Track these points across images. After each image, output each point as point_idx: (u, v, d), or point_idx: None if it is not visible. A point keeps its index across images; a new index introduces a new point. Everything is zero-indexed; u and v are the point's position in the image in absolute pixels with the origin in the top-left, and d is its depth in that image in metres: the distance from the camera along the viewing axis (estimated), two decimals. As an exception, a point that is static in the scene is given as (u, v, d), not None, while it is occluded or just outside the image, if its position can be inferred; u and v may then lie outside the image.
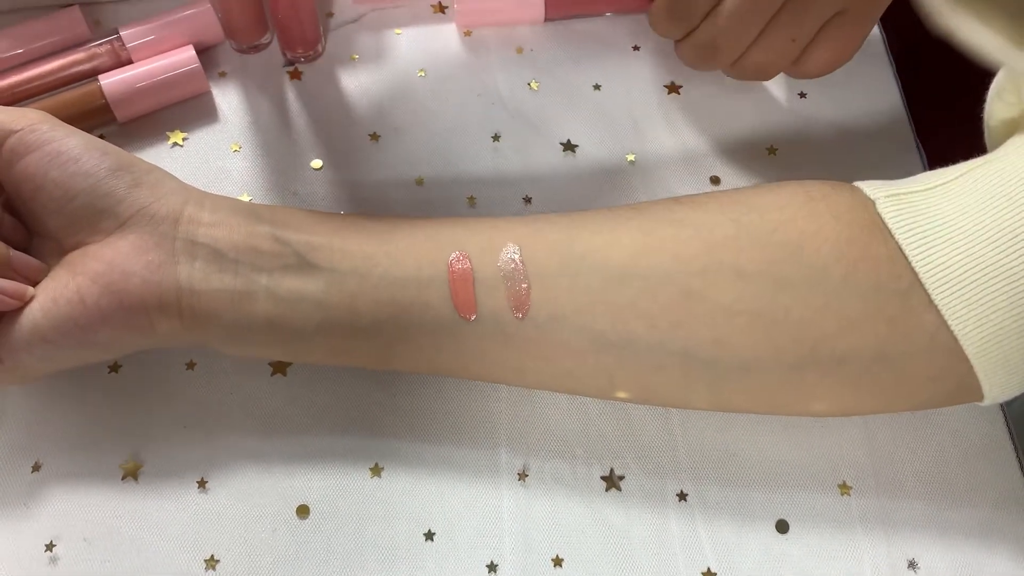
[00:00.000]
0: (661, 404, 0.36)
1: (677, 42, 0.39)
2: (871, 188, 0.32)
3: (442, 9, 0.47)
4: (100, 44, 0.42)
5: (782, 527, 0.35)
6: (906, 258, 0.30)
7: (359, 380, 0.37)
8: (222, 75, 0.44)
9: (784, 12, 0.35)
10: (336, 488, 0.35)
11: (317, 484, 0.35)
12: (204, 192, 0.33)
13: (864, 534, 0.35)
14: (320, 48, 0.45)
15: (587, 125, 0.44)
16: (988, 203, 0.29)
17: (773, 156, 0.44)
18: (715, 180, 0.43)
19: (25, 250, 0.32)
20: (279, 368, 0.37)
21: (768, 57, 0.37)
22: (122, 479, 0.35)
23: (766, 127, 0.44)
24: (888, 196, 0.31)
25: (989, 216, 0.29)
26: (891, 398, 0.32)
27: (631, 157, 0.43)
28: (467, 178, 0.42)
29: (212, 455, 0.35)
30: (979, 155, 0.32)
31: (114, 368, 0.37)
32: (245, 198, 0.41)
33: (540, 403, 0.37)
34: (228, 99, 0.44)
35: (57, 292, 0.31)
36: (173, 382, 0.37)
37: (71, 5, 0.44)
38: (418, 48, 0.46)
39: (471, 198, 0.42)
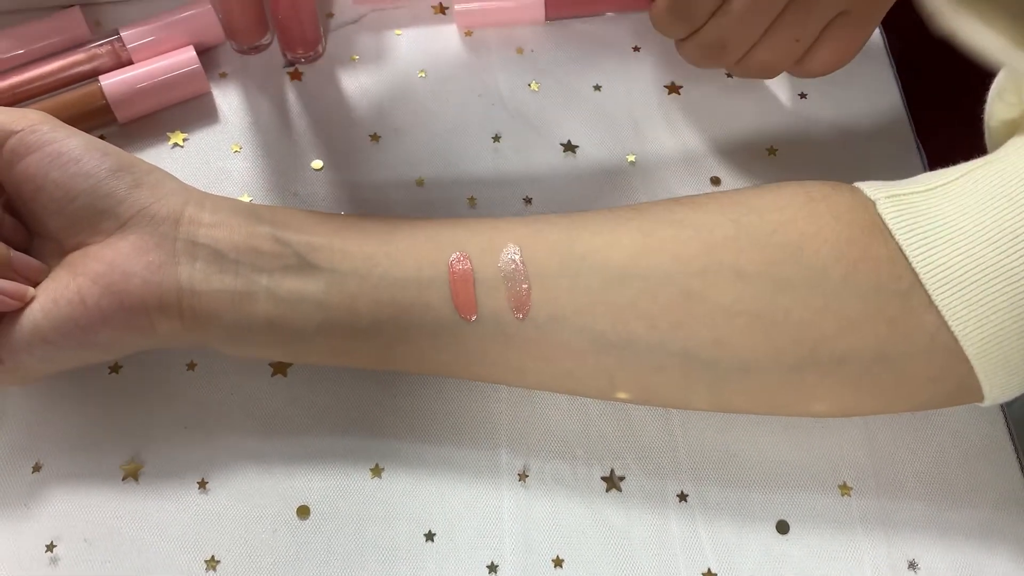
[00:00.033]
0: (661, 405, 0.36)
1: (680, 41, 0.39)
2: (871, 189, 0.32)
3: (442, 10, 0.47)
4: (101, 45, 0.42)
5: (782, 528, 0.35)
6: (906, 259, 0.30)
7: (360, 381, 0.37)
8: (222, 76, 0.44)
9: (788, 12, 0.35)
10: (336, 489, 0.35)
11: (317, 485, 0.35)
12: (204, 193, 0.33)
13: (864, 535, 0.35)
14: (320, 49, 0.45)
15: (587, 126, 0.44)
16: (989, 204, 0.29)
17: (773, 157, 0.44)
18: (715, 181, 0.43)
19: (26, 251, 0.32)
20: (279, 369, 0.37)
21: (772, 56, 0.37)
22: (123, 480, 0.35)
23: (766, 128, 0.44)
24: (888, 197, 0.31)
25: (990, 217, 0.29)
26: (891, 399, 0.32)
27: (631, 158, 0.43)
28: (467, 179, 0.42)
29: (213, 456, 0.35)
30: (979, 156, 0.32)
31: (115, 369, 0.37)
32: (245, 199, 0.41)
33: (540, 404, 0.37)
34: (228, 100, 0.44)
35: (58, 293, 0.31)
36: (174, 383, 0.37)
37: (71, 6, 0.44)
38: (418, 49, 0.46)
39: (471, 199, 0.42)
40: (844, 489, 0.36)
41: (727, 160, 0.43)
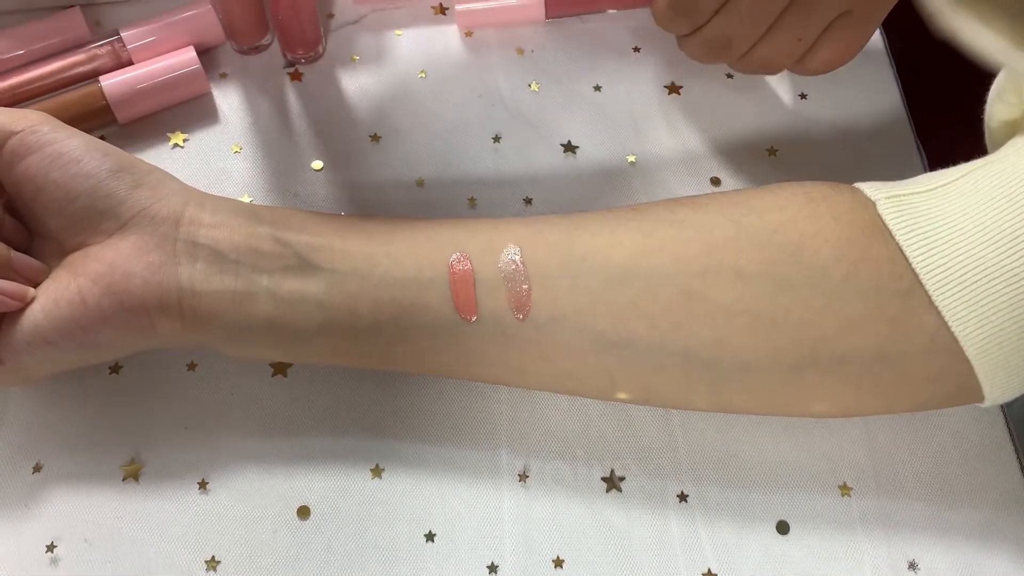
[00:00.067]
0: (662, 405, 0.36)
1: (682, 36, 0.39)
2: (871, 189, 0.32)
3: (443, 10, 0.47)
4: (101, 45, 0.42)
5: (783, 528, 0.35)
6: (907, 259, 0.30)
7: (360, 381, 0.37)
8: (223, 76, 0.44)
9: (791, 11, 0.35)
10: (337, 489, 0.35)
11: (318, 485, 0.35)
12: (205, 193, 0.33)
13: (864, 535, 0.35)
14: (321, 49, 0.45)
15: (587, 126, 0.44)
16: (989, 204, 0.29)
17: (773, 157, 0.44)
18: (715, 181, 0.43)
19: (26, 251, 0.32)
20: (280, 369, 0.37)
21: (774, 53, 0.37)
22: (123, 480, 0.35)
23: (766, 128, 0.44)
24: (889, 197, 0.31)
25: (990, 217, 0.29)
26: (891, 399, 0.32)
27: (631, 158, 0.43)
28: (468, 179, 0.42)
29: (213, 456, 0.35)
30: (980, 156, 0.32)
31: (115, 369, 0.37)
32: (246, 199, 0.41)
33: (541, 404, 0.37)
34: (229, 100, 0.44)
35: (58, 293, 0.31)
36: (174, 383, 0.37)
37: (72, 6, 0.44)
38: (419, 49, 0.46)
39: (472, 199, 0.42)
40: (844, 489, 0.36)
41: (727, 160, 0.43)
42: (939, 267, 0.29)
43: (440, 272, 0.32)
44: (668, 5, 0.37)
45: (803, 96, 0.45)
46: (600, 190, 0.42)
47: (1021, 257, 0.28)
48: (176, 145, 0.42)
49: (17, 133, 0.31)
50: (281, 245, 0.32)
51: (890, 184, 0.32)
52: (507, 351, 0.32)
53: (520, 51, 0.46)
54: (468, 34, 0.46)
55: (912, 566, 0.35)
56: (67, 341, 0.31)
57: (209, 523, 0.34)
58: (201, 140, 0.43)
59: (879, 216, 0.31)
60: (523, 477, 0.36)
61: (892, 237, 0.30)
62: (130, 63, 0.42)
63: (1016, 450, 0.37)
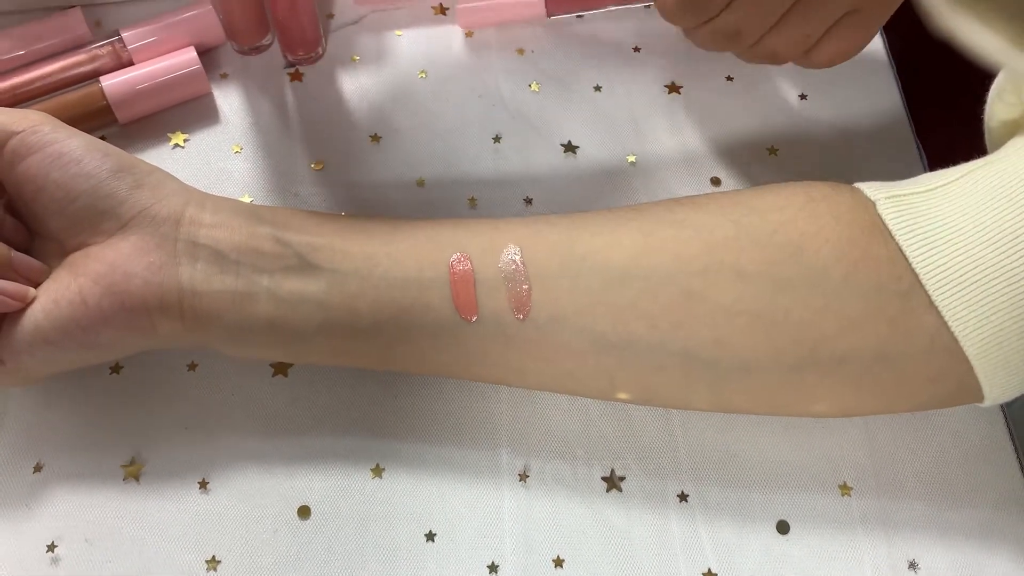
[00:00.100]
0: (662, 405, 0.36)
1: (688, 31, 0.39)
2: (871, 189, 0.32)
3: (443, 10, 0.47)
4: (101, 45, 0.42)
5: (783, 528, 0.35)
6: (906, 259, 0.30)
7: (360, 381, 0.37)
8: (223, 76, 0.44)
9: (801, 6, 0.35)
10: (337, 489, 0.35)
11: (318, 485, 0.35)
12: (205, 193, 0.33)
13: (865, 535, 0.35)
14: (321, 50, 0.45)
15: (588, 126, 0.44)
16: (989, 204, 0.29)
17: (774, 157, 0.44)
18: (716, 181, 0.43)
19: (26, 251, 0.32)
20: (280, 369, 0.37)
21: (783, 45, 0.37)
22: (124, 480, 0.35)
23: (767, 128, 0.44)
24: (889, 197, 0.31)
25: (990, 217, 0.29)
26: (891, 399, 0.32)
27: (632, 158, 0.43)
28: (468, 179, 0.42)
29: (213, 456, 0.35)
30: (979, 156, 0.32)
31: (115, 369, 0.37)
32: (246, 199, 0.41)
33: (541, 404, 0.37)
34: (229, 100, 0.44)
35: (59, 293, 0.31)
36: (174, 383, 0.37)
37: (72, 6, 0.44)
38: (419, 49, 0.46)
39: (472, 199, 0.42)
40: (844, 489, 0.36)
41: (727, 160, 0.43)
42: (939, 267, 0.29)
43: (440, 272, 0.32)
44: (677, 1, 0.37)
45: (803, 96, 0.45)
46: (600, 190, 0.42)
47: (1021, 257, 0.28)
48: (177, 145, 0.42)
49: (18, 133, 0.31)
50: (281, 245, 0.32)
51: (890, 184, 0.32)
52: (507, 351, 0.32)
53: (520, 51, 0.46)
54: (469, 34, 0.46)
55: (912, 566, 0.35)
56: (68, 341, 0.31)
57: (210, 523, 0.34)
58: (202, 140, 0.43)
59: (879, 216, 0.31)
60: (523, 477, 0.36)
61: (892, 237, 0.30)
62: (131, 63, 0.43)
63: (1016, 450, 0.37)
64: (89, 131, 0.33)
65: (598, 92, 0.45)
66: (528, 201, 0.42)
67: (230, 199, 0.34)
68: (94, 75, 0.42)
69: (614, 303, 0.31)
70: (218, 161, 0.42)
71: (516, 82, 0.45)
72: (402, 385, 0.37)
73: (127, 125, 0.42)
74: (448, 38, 0.46)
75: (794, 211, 0.32)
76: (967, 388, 0.30)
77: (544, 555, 0.34)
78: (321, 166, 0.42)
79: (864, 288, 0.30)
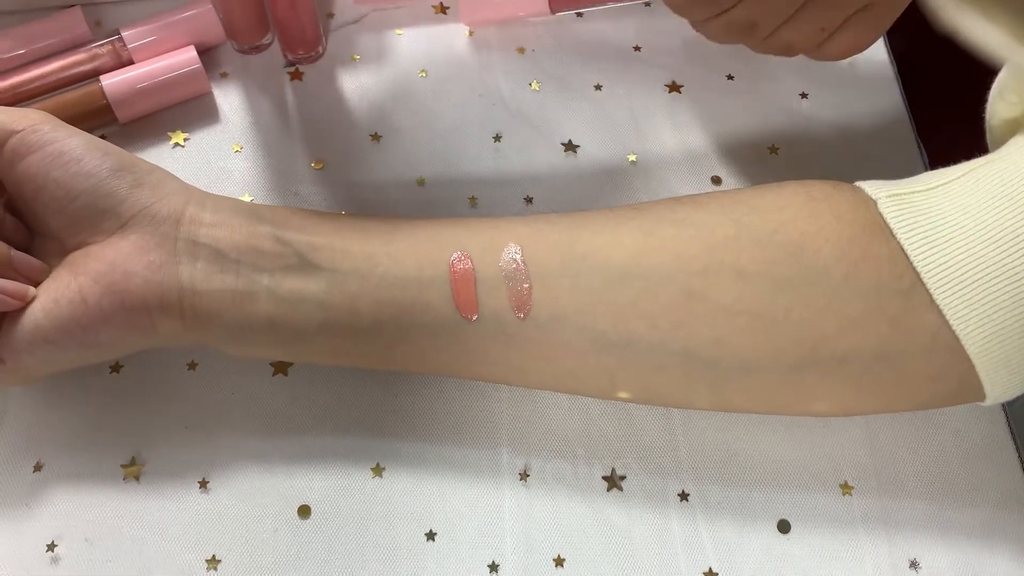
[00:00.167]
0: (662, 404, 0.36)
1: (700, 23, 0.38)
2: (872, 188, 0.32)
3: (443, 10, 0.47)
4: (101, 44, 0.42)
5: (784, 527, 0.35)
6: (908, 258, 0.30)
7: (361, 380, 0.37)
8: (223, 75, 0.44)
9: (816, 0, 0.35)
10: (337, 488, 0.35)
11: (318, 484, 0.35)
12: (205, 192, 0.33)
13: (866, 534, 0.35)
14: (321, 49, 0.45)
15: (588, 125, 0.44)
16: (990, 203, 0.29)
17: (774, 156, 0.44)
18: (716, 180, 0.43)
19: (27, 250, 0.32)
20: (280, 368, 0.37)
21: (797, 37, 0.37)
22: (124, 479, 0.35)
23: (767, 127, 0.44)
24: (890, 196, 0.31)
25: (991, 216, 0.29)
26: (892, 398, 0.32)
27: (632, 157, 0.43)
28: (468, 178, 0.42)
29: (213, 455, 0.35)
30: (981, 155, 0.32)
31: (115, 368, 0.37)
32: (246, 198, 0.41)
33: (541, 403, 0.37)
34: (229, 99, 0.44)
35: (59, 292, 0.31)
36: (174, 382, 0.37)
37: (72, 6, 0.44)
38: (419, 48, 0.46)
39: (472, 198, 0.42)
40: (845, 488, 0.36)
41: (728, 159, 0.43)
42: (940, 266, 0.29)
43: (441, 271, 0.32)
44: None
45: (804, 95, 0.45)
46: (601, 189, 0.42)
47: (1022, 255, 0.28)
48: (177, 144, 0.42)
49: (18, 132, 0.31)
50: (282, 244, 0.32)
51: (891, 183, 0.32)
52: (508, 350, 0.32)
53: (521, 50, 0.46)
54: (470, 33, 0.46)
55: (913, 565, 0.35)
56: (68, 340, 0.31)
57: (210, 522, 0.34)
58: (202, 139, 0.43)
59: (880, 215, 0.31)
60: (524, 476, 0.36)
61: (893, 236, 0.30)
62: (131, 62, 0.42)
63: (1017, 449, 0.37)
64: (89, 130, 0.33)
65: (599, 91, 0.45)
66: (528, 200, 0.42)
67: (230, 198, 0.34)
68: (94, 74, 0.42)
69: (615, 302, 0.31)
70: (218, 160, 0.42)
71: (517, 81, 0.45)
72: (402, 384, 0.37)
73: (127, 124, 0.42)
74: (449, 37, 0.46)
75: (795, 210, 0.32)
76: (968, 387, 0.30)
77: (545, 554, 0.34)
78: (321, 165, 0.42)
79: (865, 287, 0.30)
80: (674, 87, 0.45)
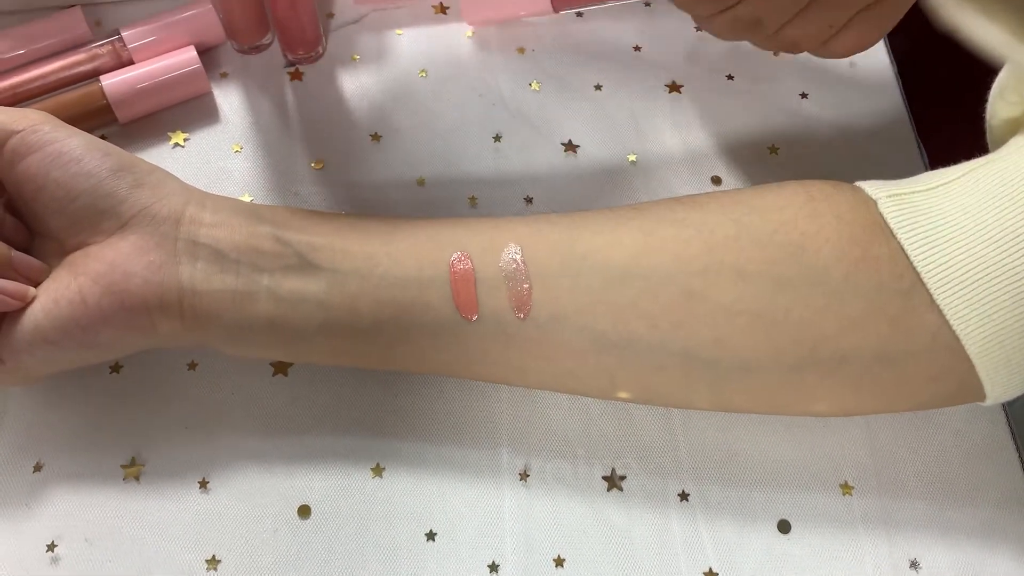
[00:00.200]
0: (662, 404, 0.36)
1: (704, 19, 0.38)
2: (873, 188, 0.32)
3: (443, 10, 0.47)
4: (101, 45, 0.42)
5: (784, 527, 0.35)
6: (908, 258, 0.30)
7: (361, 380, 0.37)
8: (223, 76, 0.44)
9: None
10: (337, 488, 0.35)
11: (318, 484, 0.35)
12: (205, 193, 0.33)
13: (866, 534, 0.35)
14: (321, 49, 0.45)
15: (588, 125, 0.44)
16: (990, 203, 0.29)
17: (774, 156, 0.44)
18: (716, 180, 0.43)
19: (26, 251, 0.32)
20: (280, 368, 0.37)
21: (803, 34, 0.37)
22: (123, 479, 0.35)
23: (767, 127, 0.44)
24: (890, 196, 0.31)
25: (991, 216, 0.29)
26: (892, 398, 0.32)
27: (632, 157, 0.43)
28: (468, 178, 0.42)
29: (213, 455, 0.35)
30: (981, 155, 0.32)
31: (115, 369, 0.37)
32: (246, 198, 0.41)
33: (541, 403, 0.37)
34: (229, 100, 0.44)
35: (59, 293, 0.31)
36: (174, 383, 0.37)
37: (72, 6, 0.44)
38: (419, 48, 0.46)
39: (472, 198, 0.42)
40: (846, 488, 0.36)
41: (728, 159, 0.43)
42: (940, 266, 0.29)
43: (441, 271, 0.32)
44: None
45: (804, 95, 0.45)
46: (601, 189, 0.42)
47: (1022, 255, 0.28)
48: (177, 144, 0.42)
49: (18, 132, 0.31)
50: (282, 244, 0.32)
51: (891, 183, 0.32)
52: (508, 350, 0.32)
53: (521, 50, 0.46)
54: (469, 34, 0.46)
55: (914, 565, 0.35)
56: (67, 340, 0.31)
57: (210, 522, 0.34)
58: (202, 139, 0.43)
59: (880, 215, 0.31)
60: (524, 476, 0.36)
61: (893, 236, 0.30)
62: (131, 62, 0.42)
63: (1018, 449, 0.37)
64: (89, 130, 0.33)
65: (599, 91, 0.45)
66: (528, 200, 0.42)
67: (230, 198, 0.34)
68: (94, 74, 0.42)
69: (615, 302, 0.31)
70: (218, 160, 0.42)
71: (517, 81, 0.45)
72: (402, 384, 0.37)
73: (127, 124, 0.42)
74: (449, 37, 0.46)
75: (795, 210, 0.32)
76: (969, 387, 0.30)
77: (545, 554, 0.34)
78: (321, 165, 0.42)
79: (865, 287, 0.30)
80: (674, 87, 0.45)
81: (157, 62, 0.42)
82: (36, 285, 0.31)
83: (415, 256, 0.32)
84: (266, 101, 0.44)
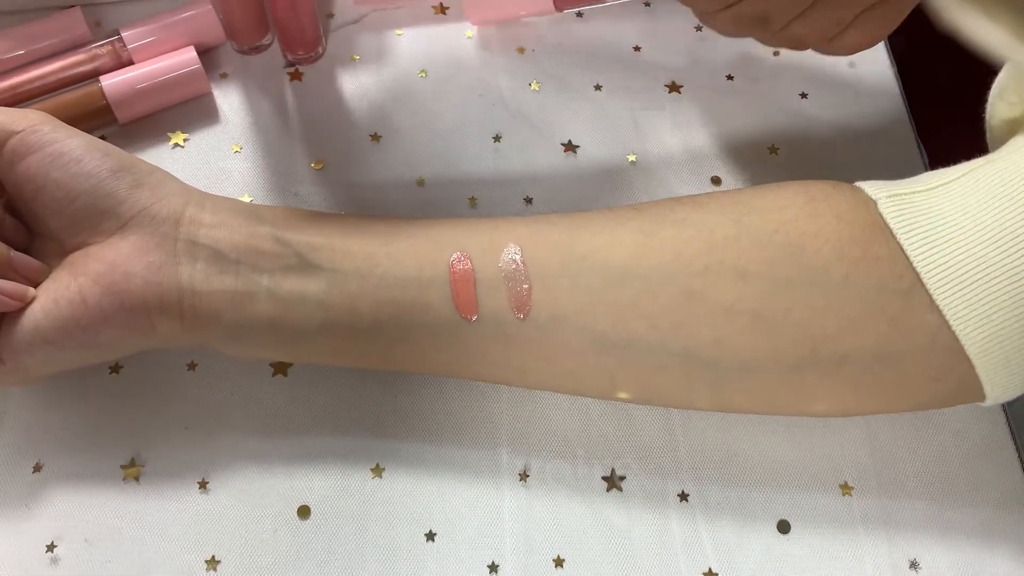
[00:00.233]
0: (662, 404, 0.36)
1: (710, 12, 0.38)
2: (872, 188, 0.32)
3: (443, 10, 0.47)
4: (101, 45, 0.42)
5: (783, 527, 0.35)
6: (907, 258, 0.30)
7: (360, 381, 0.37)
8: (223, 76, 0.44)
9: None
10: (337, 489, 0.35)
11: (318, 485, 0.35)
12: (205, 193, 0.33)
13: (866, 534, 0.35)
14: (321, 49, 0.45)
15: (588, 125, 0.44)
16: (990, 203, 0.29)
17: (774, 156, 0.44)
18: (716, 180, 0.43)
19: (26, 251, 0.32)
20: (280, 369, 0.37)
21: (810, 31, 0.36)
22: (123, 480, 0.35)
23: (767, 127, 0.44)
24: (890, 196, 0.31)
25: (991, 216, 0.29)
26: (892, 398, 0.32)
27: (632, 157, 0.43)
28: (468, 179, 0.42)
29: (213, 456, 0.35)
30: (981, 155, 0.32)
31: (115, 369, 0.37)
32: (246, 199, 0.41)
33: (541, 403, 0.37)
34: (229, 100, 0.44)
35: (58, 293, 0.31)
36: (174, 383, 0.37)
37: (72, 6, 0.44)
38: (419, 49, 0.46)
39: (472, 199, 0.42)
40: (845, 489, 0.36)
41: (728, 160, 0.43)
42: (940, 266, 0.29)
43: (440, 271, 0.32)
44: None
45: (804, 95, 0.45)
46: (601, 189, 0.42)
47: (1022, 255, 0.28)
48: (176, 145, 0.42)
49: (18, 133, 0.31)
50: (281, 245, 0.32)
51: (891, 183, 0.32)
52: (508, 350, 0.32)
53: (521, 50, 0.46)
54: (469, 34, 0.46)
55: (913, 565, 0.35)
56: (67, 341, 0.31)
57: (209, 523, 0.34)
58: (201, 140, 0.43)
59: (880, 215, 0.31)
60: (524, 476, 0.36)
61: (893, 236, 0.30)
62: (130, 63, 0.43)
63: (1017, 449, 0.37)
64: (89, 131, 0.33)
65: (598, 91, 0.45)
66: (528, 200, 0.42)
67: (230, 199, 0.34)
68: (94, 75, 0.42)
69: (615, 302, 0.31)
70: (218, 161, 0.42)
71: (516, 81, 0.45)
72: (402, 385, 0.37)
73: (127, 125, 0.42)
74: (449, 37, 0.46)
75: (795, 210, 0.32)
76: (968, 387, 0.30)
77: (544, 555, 0.34)
78: (321, 166, 0.42)
79: (865, 287, 0.30)
80: (674, 87, 0.45)
81: (157, 62, 0.42)
82: (36, 285, 0.31)
83: (415, 256, 0.32)
84: (266, 101, 0.44)
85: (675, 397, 0.34)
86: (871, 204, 0.31)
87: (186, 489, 0.35)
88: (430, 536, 0.34)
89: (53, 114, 0.33)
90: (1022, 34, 0.26)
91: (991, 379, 0.30)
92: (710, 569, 0.34)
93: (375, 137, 0.43)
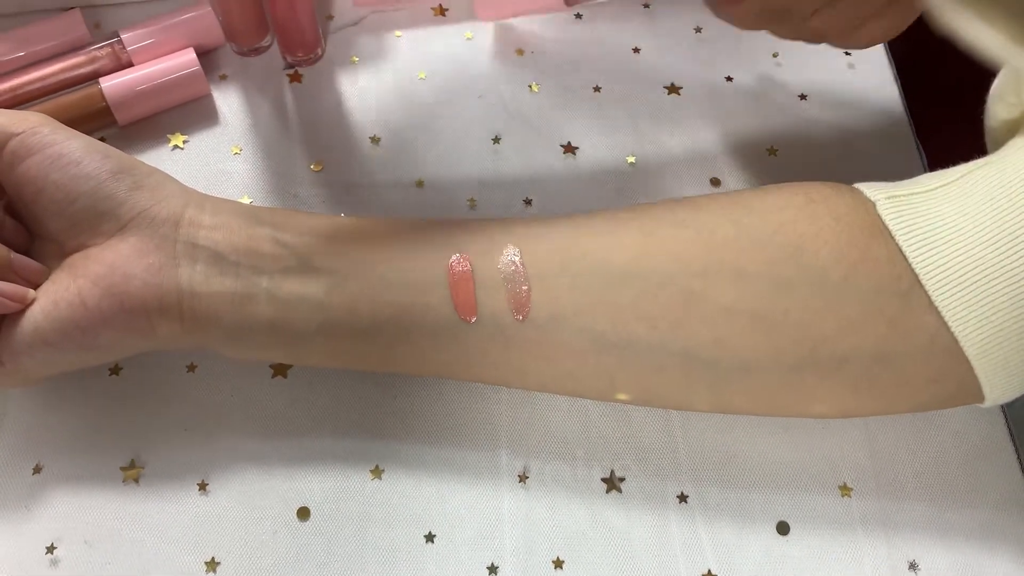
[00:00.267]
0: (662, 405, 0.36)
1: (726, 5, 0.38)
2: (871, 190, 0.32)
3: (443, 12, 0.47)
4: (101, 47, 0.42)
5: (783, 528, 0.35)
6: (906, 259, 0.30)
7: (360, 382, 0.37)
8: (223, 78, 0.44)
9: None
10: (337, 490, 0.35)
11: (318, 486, 0.35)
12: (204, 195, 0.34)
13: (865, 535, 0.35)
14: (320, 51, 0.45)
15: (587, 127, 0.44)
16: (989, 204, 0.29)
17: (773, 157, 0.44)
18: (715, 181, 0.43)
19: (26, 253, 0.32)
20: (280, 370, 0.37)
21: (829, 25, 0.36)
22: (123, 481, 0.35)
23: (766, 128, 0.44)
24: (888, 198, 0.31)
25: (990, 217, 0.29)
26: (891, 400, 0.32)
27: (631, 159, 0.43)
28: (467, 180, 0.42)
29: (213, 457, 0.35)
30: (980, 156, 0.32)
31: (115, 370, 0.37)
32: (246, 200, 0.41)
33: (541, 405, 0.37)
34: (228, 102, 0.44)
35: (58, 295, 0.31)
36: (174, 384, 0.37)
37: (72, 8, 0.44)
38: (418, 50, 0.46)
39: (471, 200, 0.42)
40: (844, 490, 0.36)
41: (727, 161, 0.43)
42: (939, 267, 0.29)
43: (440, 273, 0.32)
44: None
45: (803, 96, 0.45)
46: (600, 191, 0.42)
47: (1021, 257, 0.28)
48: (176, 147, 0.42)
49: (17, 135, 0.31)
50: (281, 246, 0.32)
51: (890, 184, 0.32)
52: (507, 352, 0.32)
53: (520, 52, 0.46)
54: (469, 36, 0.46)
55: (912, 566, 0.35)
56: (67, 343, 0.31)
57: (209, 524, 0.34)
58: (201, 141, 0.43)
59: (879, 216, 0.31)
60: (523, 478, 0.36)
61: (892, 237, 0.30)
62: (130, 65, 0.43)
63: (1016, 450, 0.37)
64: (88, 132, 0.33)
65: (598, 92, 0.45)
66: (528, 202, 0.42)
67: (229, 200, 0.34)
68: (93, 76, 0.42)
69: (614, 303, 0.31)
70: (217, 162, 0.42)
71: (516, 83, 0.45)
72: (402, 386, 0.37)
73: (126, 126, 0.42)
74: (448, 39, 0.46)
75: (794, 212, 0.32)
76: (967, 389, 0.30)
77: (544, 556, 0.34)
78: (320, 167, 0.42)
79: (864, 288, 0.30)
80: (673, 88, 0.45)
81: (156, 64, 0.42)
82: (36, 287, 0.31)
83: (414, 258, 0.32)
84: (265, 103, 0.44)
85: (675, 398, 0.34)
86: (870, 205, 0.31)
87: (186, 491, 0.35)
88: (429, 538, 0.34)
89: (53, 116, 0.33)
90: (1018, 37, 0.26)
91: (990, 380, 0.30)
92: (709, 570, 0.34)
93: (374, 139, 0.43)
